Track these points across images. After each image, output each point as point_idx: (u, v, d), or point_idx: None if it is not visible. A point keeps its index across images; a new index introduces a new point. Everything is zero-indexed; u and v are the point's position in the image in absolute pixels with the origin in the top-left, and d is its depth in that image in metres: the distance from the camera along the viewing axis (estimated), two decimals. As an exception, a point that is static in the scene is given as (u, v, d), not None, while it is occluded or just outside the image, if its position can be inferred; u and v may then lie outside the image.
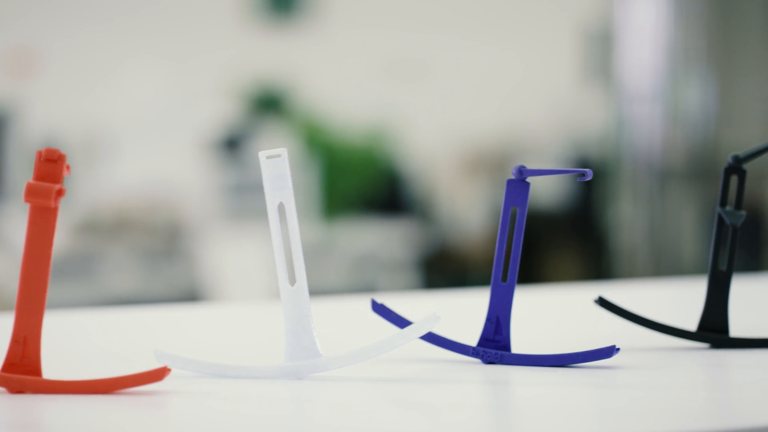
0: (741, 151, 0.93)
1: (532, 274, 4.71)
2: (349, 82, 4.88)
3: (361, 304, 1.44)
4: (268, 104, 4.68)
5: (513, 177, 0.88)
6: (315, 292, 3.05)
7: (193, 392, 0.80)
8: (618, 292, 1.57)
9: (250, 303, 2.76)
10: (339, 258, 4.17)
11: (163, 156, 4.43)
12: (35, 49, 4.59)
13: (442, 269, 4.67)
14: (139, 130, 4.52)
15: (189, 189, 4.34)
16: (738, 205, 0.93)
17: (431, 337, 0.89)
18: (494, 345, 0.88)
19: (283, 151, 0.84)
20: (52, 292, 3.89)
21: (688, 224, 4.15)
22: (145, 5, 4.70)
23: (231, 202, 4.18)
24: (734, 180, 0.93)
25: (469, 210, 4.87)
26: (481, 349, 0.88)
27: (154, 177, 4.39)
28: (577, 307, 1.35)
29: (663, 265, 4.13)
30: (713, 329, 0.93)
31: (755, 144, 0.96)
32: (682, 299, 1.46)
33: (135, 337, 1.15)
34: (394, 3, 4.99)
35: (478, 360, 0.89)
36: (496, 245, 0.88)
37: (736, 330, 0.97)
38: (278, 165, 0.84)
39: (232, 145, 4.34)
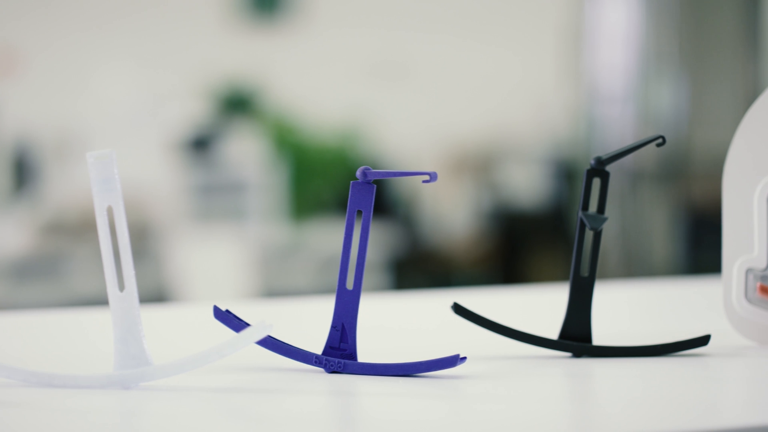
0: (603, 153, 0.90)
1: (516, 275, 4.69)
2: (325, 83, 4.86)
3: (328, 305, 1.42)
4: (238, 104, 4.65)
5: (358, 179, 0.85)
6: (283, 293, 3.04)
7: (12, 403, 0.77)
8: (611, 292, 1.54)
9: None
10: (308, 259, 4.15)
11: (131, 156, 4.41)
12: (13, 48, 4.57)
13: (426, 270, 4.65)
14: (109, 130, 4.49)
15: (156, 189, 4.31)
16: (600, 209, 0.90)
17: (273, 345, 0.86)
18: (340, 353, 0.85)
19: (111, 153, 0.81)
20: (19, 292, 3.88)
21: (660, 225, 4.13)
22: (119, 5, 4.68)
23: (199, 202, 4.15)
24: (597, 182, 0.90)
25: (452, 211, 4.86)
26: (325, 357, 0.85)
27: (122, 177, 4.35)
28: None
29: (634, 266, 4.11)
30: (575, 337, 0.90)
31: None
32: (650, 301, 1.43)
33: (96, 339, 1.12)
34: (376, 4, 4.98)
35: (321, 369, 0.86)
36: (342, 250, 0.85)
37: (603, 338, 0.93)
38: (106, 167, 0.81)
39: (201, 145, 4.31)
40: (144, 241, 4.12)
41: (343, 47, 4.92)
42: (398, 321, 1.27)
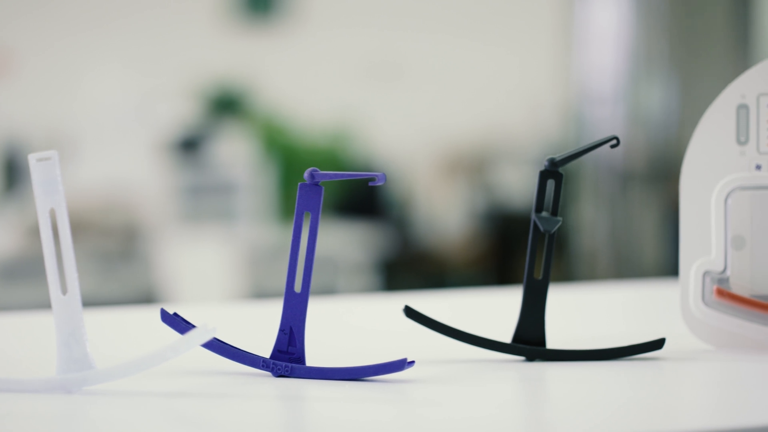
0: (557, 154, 0.89)
1: (510, 276, 4.68)
2: (317, 84, 4.85)
3: (322, 306, 1.43)
4: (228, 105, 4.65)
5: (306, 181, 0.84)
6: (272, 294, 3.02)
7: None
8: (579, 294, 1.54)
9: (206, 305, 2.74)
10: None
11: (120, 157, 4.40)
12: (6, 49, 4.56)
13: (420, 271, 4.65)
14: (99, 131, 4.49)
15: (145, 190, 4.30)
16: (554, 211, 0.89)
17: (221, 348, 0.85)
18: (288, 357, 0.84)
19: (54, 154, 0.80)
20: (6, 294, 3.87)
21: (650, 226, 4.12)
22: (109, 7, 4.67)
23: (188, 203, 4.14)
24: (551, 184, 0.89)
25: (446, 212, 4.85)
26: (272, 361, 0.84)
27: (111, 178, 4.36)
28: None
29: (624, 268, 4.10)
30: (529, 341, 0.89)
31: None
32: (613, 303, 1.42)
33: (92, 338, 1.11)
34: (369, 5, 4.97)
35: (269, 373, 0.85)
36: (289, 252, 0.84)
37: (558, 341, 0.92)
38: (49, 169, 0.80)
39: (190, 146, 4.30)
40: (133, 242, 4.11)
41: (336, 48, 4.91)
42: (380, 322, 1.26)
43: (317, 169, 0.84)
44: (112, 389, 0.80)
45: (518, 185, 4.79)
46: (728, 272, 0.92)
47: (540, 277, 0.89)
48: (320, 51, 4.90)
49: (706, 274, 0.93)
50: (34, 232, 4.12)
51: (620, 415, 0.74)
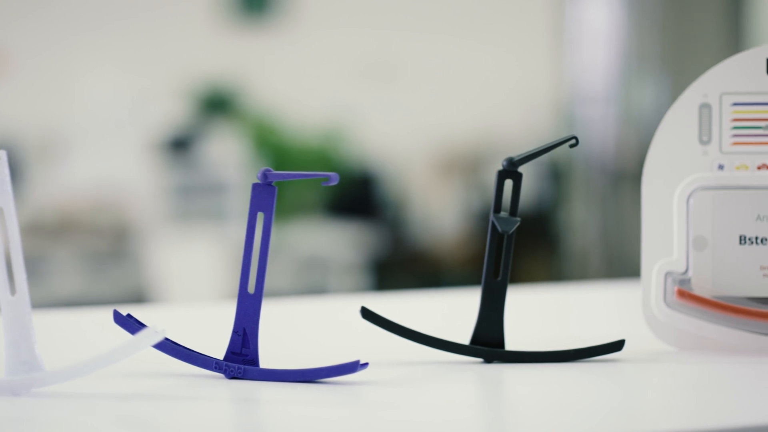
0: (516, 154, 0.88)
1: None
2: (310, 84, 4.85)
3: (310, 306, 1.41)
4: (219, 104, 4.64)
5: (259, 181, 0.83)
6: (264, 295, 2.99)
7: None
8: (563, 294, 1.53)
9: (197, 305, 2.73)
10: (287, 260, 4.13)
11: (111, 157, 4.39)
12: (1, 49, 4.56)
13: (415, 271, 4.64)
14: (90, 131, 4.48)
15: (136, 190, 4.30)
16: (513, 211, 0.88)
17: (173, 350, 0.84)
18: (241, 359, 0.83)
19: (3, 154, 0.79)
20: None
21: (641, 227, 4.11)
22: (102, 7, 4.67)
23: (178, 203, 4.14)
24: (509, 184, 0.88)
25: (442, 212, 4.85)
26: (225, 363, 0.83)
27: (101, 178, 4.36)
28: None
29: (615, 267, 4.09)
30: (487, 342, 0.88)
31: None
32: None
33: (76, 340, 1.11)
34: (364, 6, 4.96)
35: (222, 375, 0.84)
36: (243, 253, 0.84)
37: (518, 343, 0.92)
38: (-3, 167, 0.79)
39: (181, 145, 4.30)
40: (123, 241, 4.11)
41: (330, 48, 4.90)
42: (361, 323, 1.25)
43: (270, 169, 0.83)
44: (61, 391, 0.79)
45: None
46: (690, 273, 0.91)
47: (499, 278, 0.88)
48: (314, 51, 4.89)
49: (667, 275, 0.92)
50: (24, 231, 4.11)
51: (578, 418, 0.73)
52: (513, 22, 5.04)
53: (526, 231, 4.67)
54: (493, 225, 0.88)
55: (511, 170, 0.88)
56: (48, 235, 4.09)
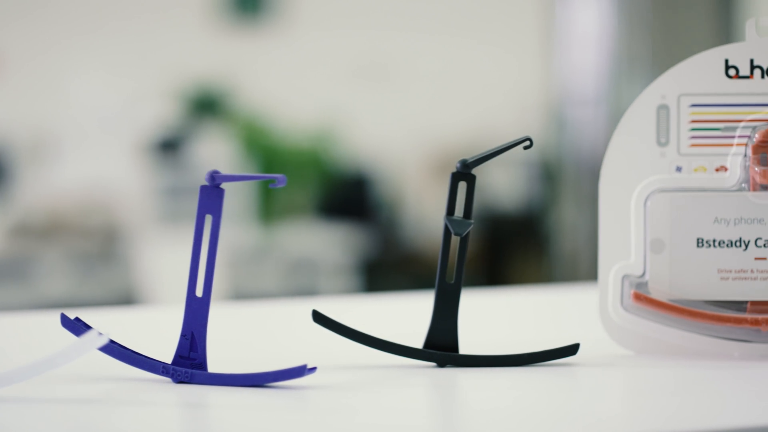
0: (469, 156, 0.87)
1: (499, 277, 4.68)
2: (303, 85, 4.84)
3: (293, 308, 1.41)
4: (209, 105, 4.63)
5: (207, 183, 0.82)
6: (252, 296, 3.00)
7: None
8: (560, 296, 1.52)
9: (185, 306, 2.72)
10: (277, 262, 4.12)
11: (100, 158, 4.38)
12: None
13: (410, 272, 4.64)
14: (80, 132, 4.47)
15: (125, 191, 4.29)
16: (467, 214, 0.87)
17: (120, 354, 0.83)
18: (189, 363, 0.82)
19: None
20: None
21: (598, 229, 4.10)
22: (93, 8, 4.66)
23: (168, 204, 4.13)
24: (463, 186, 0.87)
25: (436, 213, 4.85)
26: (172, 367, 0.82)
27: (90, 179, 4.35)
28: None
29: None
30: (440, 346, 0.87)
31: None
32: (548, 307, 1.40)
33: (64, 342, 1.09)
34: (357, 6, 4.96)
35: (169, 379, 0.83)
36: (191, 256, 0.83)
37: (474, 347, 0.91)
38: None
39: (171, 147, 4.29)
40: (112, 243, 4.10)
41: (322, 49, 4.90)
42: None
43: (218, 171, 0.82)
44: (4, 396, 0.79)
45: (507, 186, 4.78)
46: (647, 276, 0.90)
47: (452, 281, 0.87)
48: (306, 52, 4.88)
49: (625, 278, 0.91)
50: (13, 232, 4.10)
51: (530, 423, 0.73)
52: (506, 23, 5.04)
53: (516, 233, 4.66)
54: (446, 228, 0.87)
55: (464, 172, 0.87)
56: (37, 237, 4.08)
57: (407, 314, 1.33)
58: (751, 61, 0.91)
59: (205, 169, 4.20)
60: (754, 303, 0.89)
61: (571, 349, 0.88)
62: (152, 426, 0.73)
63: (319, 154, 4.63)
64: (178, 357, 0.82)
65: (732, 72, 0.91)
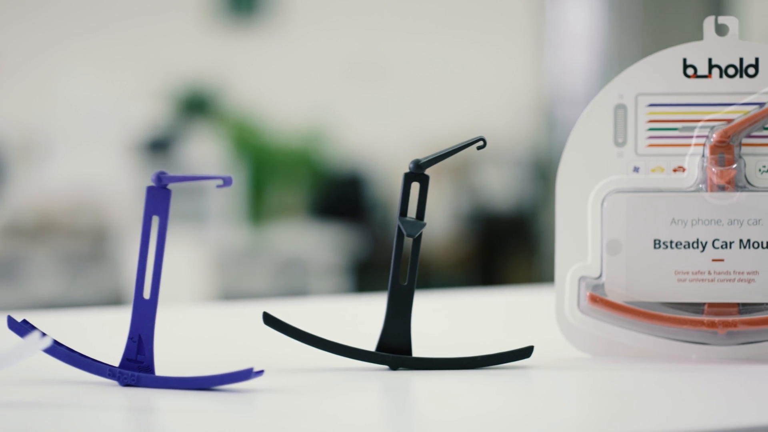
0: (422, 156, 0.86)
1: (494, 277, 4.67)
2: (295, 85, 4.84)
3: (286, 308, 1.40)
4: (199, 105, 4.63)
5: (153, 184, 0.81)
6: (242, 296, 3.00)
7: None
8: (538, 296, 1.52)
9: (175, 307, 2.71)
10: (267, 262, 4.12)
11: (90, 158, 4.38)
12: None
13: (404, 273, 4.62)
14: (69, 132, 4.47)
15: (115, 191, 4.28)
16: (420, 215, 0.86)
17: (67, 356, 0.82)
18: (137, 366, 0.81)
19: None
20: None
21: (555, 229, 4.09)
22: (84, 7, 4.66)
23: (157, 205, 4.11)
24: (416, 187, 0.86)
25: (431, 213, 4.83)
26: (119, 370, 0.81)
27: (80, 179, 4.34)
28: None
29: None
30: (393, 349, 0.86)
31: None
32: (512, 309, 1.39)
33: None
34: (350, 6, 4.95)
35: (116, 382, 0.82)
36: (138, 258, 0.82)
37: (429, 349, 0.90)
38: None
39: (160, 147, 4.28)
40: (102, 243, 4.09)
41: (315, 49, 4.89)
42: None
43: (165, 171, 0.81)
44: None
45: (502, 187, 4.78)
46: (603, 278, 0.89)
47: (405, 283, 0.86)
48: (298, 52, 4.88)
49: (581, 279, 0.90)
50: (2, 233, 4.10)
51: (483, 427, 0.72)
52: (500, 22, 5.03)
53: (506, 232, 4.65)
54: (399, 229, 0.86)
55: (417, 173, 0.86)
56: (26, 237, 4.07)
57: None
58: (710, 60, 0.90)
59: (196, 169, 4.20)
60: (711, 305, 0.89)
61: (525, 352, 0.87)
62: (96, 430, 0.72)
63: (311, 154, 4.63)
64: (126, 360, 0.82)
65: (690, 71, 0.90)
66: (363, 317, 1.29)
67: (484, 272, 4.76)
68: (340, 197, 4.61)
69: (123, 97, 4.55)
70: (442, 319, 1.31)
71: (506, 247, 4.73)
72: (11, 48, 4.58)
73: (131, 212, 4.21)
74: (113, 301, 3.85)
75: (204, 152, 4.29)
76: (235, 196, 4.29)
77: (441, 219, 4.79)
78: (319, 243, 4.24)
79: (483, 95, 5.01)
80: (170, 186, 0.81)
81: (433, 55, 5.01)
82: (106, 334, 1.17)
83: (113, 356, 0.86)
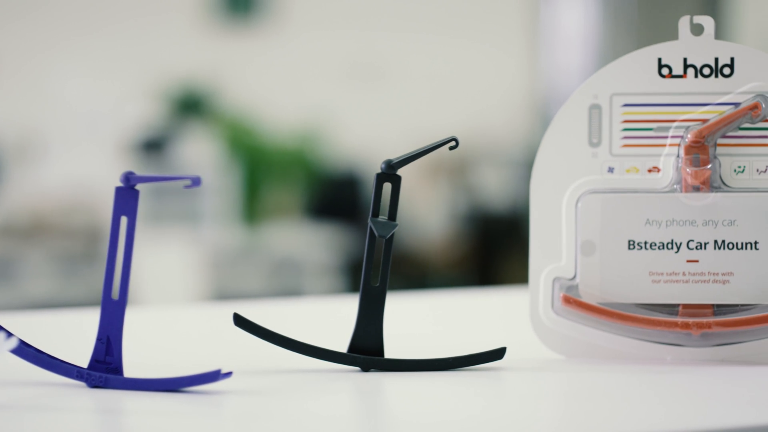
0: (394, 157, 0.85)
1: (491, 277, 4.66)
2: (292, 85, 4.83)
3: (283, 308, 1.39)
4: (193, 105, 4.62)
5: (122, 185, 0.81)
6: (235, 296, 2.99)
7: None
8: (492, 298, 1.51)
9: (168, 307, 2.71)
10: (261, 262, 4.11)
11: (84, 158, 4.38)
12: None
13: (402, 272, 4.62)
14: (64, 132, 4.46)
15: (109, 191, 4.27)
16: (392, 215, 0.86)
17: (35, 357, 0.81)
18: (105, 367, 0.81)
19: None
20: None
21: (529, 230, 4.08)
22: (79, 7, 4.65)
23: (152, 205, 4.11)
24: (388, 187, 0.86)
25: (428, 213, 4.83)
26: (86, 371, 0.80)
27: (74, 179, 4.34)
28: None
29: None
30: (365, 350, 0.85)
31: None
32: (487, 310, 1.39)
33: (46, 343, 1.09)
34: (347, 7, 4.95)
35: (84, 383, 0.81)
36: (106, 258, 0.81)
37: (402, 351, 0.89)
38: None
39: (155, 147, 4.28)
40: (96, 243, 4.09)
41: (311, 49, 4.89)
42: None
43: (133, 172, 0.81)
44: None
45: (499, 187, 4.77)
46: (578, 279, 0.89)
47: (377, 284, 0.86)
48: (295, 52, 4.87)
49: (556, 280, 0.89)
50: (2, 232, 4.09)
51: (451, 429, 0.71)
52: (497, 23, 5.03)
53: (503, 232, 4.65)
54: (371, 230, 0.85)
55: (389, 173, 0.85)
56: (20, 237, 4.07)
57: (391, 315, 1.31)
58: (685, 60, 0.89)
59: (190, 169, 4.20)
60: (686, 306, 0.88)
61: (498, 353, 0.86)
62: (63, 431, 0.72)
63: (306, 155, 4.62)
64: (94, 361, 0.81)
65: (665, 71, 0.89)
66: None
67: (481, 272, 4.75)
68: (335, 197, 4.60)
69: (118, 98, 4.55)
70: (421, 319, 1.30)
71: (503, 247, 4.72)
72: (6, 48, 4.58)
73: (125, 212, 4.20)
74: (107, 301, 3.84)
75: (199, 152, 4.29)
76: (230, 196, 4.28)
77: (438, 219, 4.79)
78: (313, 243, 4.24)
79: (479, 96, 5.01)
80: (138, 186, 0.81)
81: (428, 56, 5.00)
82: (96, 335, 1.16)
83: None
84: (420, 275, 4.67)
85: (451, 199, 4.81)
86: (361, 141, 4.81)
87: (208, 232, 4.12)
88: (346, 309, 1.41)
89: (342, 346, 0.87)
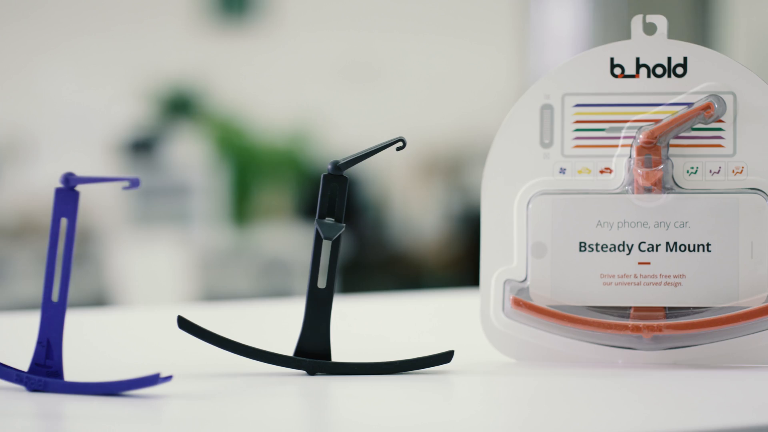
0: (341, 158, 0.84)
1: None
2: (284, 86, 4.83)
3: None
4: (182, 106, 4.62)
5: (61, 186, 0.80)
6: (225, 297, 2.99)
7: None
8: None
9: (158, 308, 2.71)
10: (250, 263, 4.11)
11: (72, 158, 4.37)
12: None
13: (396, 273, 4.62)
14: (52, 132, 4.46)
15: (98, 192, 4.27)
16: (338, 217, 0.85)
17: (-27, 362, 0.81)
18: (45, 371, 0.80)
19: None
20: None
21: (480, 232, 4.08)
22: (68, 6, 4.65)
23: (141, 205, 4.11)
24: (335, 188, 0.85)
25: (423, 214, 4.83)
26: (26, 375, 0.79)
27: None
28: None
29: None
30: (311, 353, 0.84)
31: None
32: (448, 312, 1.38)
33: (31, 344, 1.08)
34: (340, 7, 4.94)
35: (23, 387, 0.80)
36: (46, 260, 0.80)
37: (349, 354, 0.88)
38: None
39: (144, 147, 4.27)
40: (85, 244, 4.08)
41: (303, 50, 4.88)
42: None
43: (73, 173, 0.80)
44: None
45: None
46: (528, 281, 0.88)
47: (324, 286, 0.85)
48: (287, 52, 4.87)
49: (506, 282, 0.88)
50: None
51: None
52: (490, 22, 5.02)
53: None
54: (317, 231, 0.84)
55: (336, 174, 0.84)
56: (8, 238, 4.06)
57: (383, 316, 1.31)
58: (637, 59, 0.88)
59: (180, 170, 4.19)
60: (637, 309, 0.87)
61: (446, 357, 0.85)
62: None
63: (296, 155, 4.61)
64: (34, 365, 0.80)
65: (617, 71, 0.88)
66: (348, 319, 1.27)
67: (476, 273, 4.74)
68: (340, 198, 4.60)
69: (108, 98, 4.54)
70: (378, 321, 1.29)
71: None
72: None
73: (114, 213, 4.20)
74: (95, 301, 3.84)
75: (188, 153, 4.29)
76: (219, 196, 4.27)
77: (432, 220, 4.79)
78: (303, 244, 4.23)
79: (472, 96, 5.01)
80: (78, 187, 0.80)
81: (420, 57, 5.00)
82: (84, 336, 1.16)
83: (92, 353, 0.84)
84: (414, 276, 4.66)
85: (445, 200, 4.81)
86: (351, 141, 4.80)
87: (198, 233, 4.12)
88: (338, 310, 1.40)
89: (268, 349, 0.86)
